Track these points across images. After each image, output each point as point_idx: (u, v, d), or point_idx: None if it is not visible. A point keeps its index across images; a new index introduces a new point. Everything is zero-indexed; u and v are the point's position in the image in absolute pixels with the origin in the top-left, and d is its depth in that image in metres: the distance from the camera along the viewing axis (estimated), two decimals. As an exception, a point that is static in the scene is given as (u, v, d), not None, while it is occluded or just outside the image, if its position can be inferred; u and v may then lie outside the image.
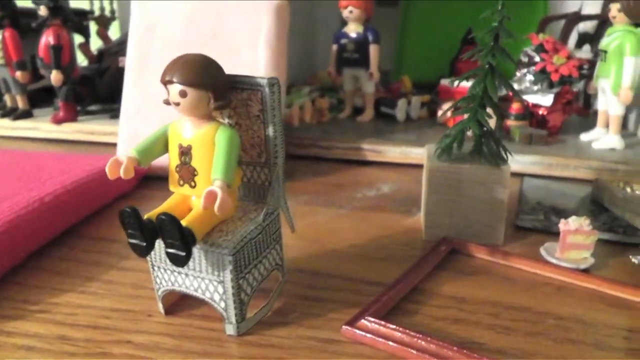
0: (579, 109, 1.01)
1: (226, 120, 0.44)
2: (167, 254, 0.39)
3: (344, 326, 0.42)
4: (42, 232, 0.57)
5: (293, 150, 0.89)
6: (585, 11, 1.15)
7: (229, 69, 0.42)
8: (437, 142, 0.61)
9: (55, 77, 0.97)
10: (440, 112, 0.94)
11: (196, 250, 0.41)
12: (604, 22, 1.06)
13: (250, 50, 0.76)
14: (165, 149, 0.43)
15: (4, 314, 0.46)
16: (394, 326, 0.41)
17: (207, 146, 0.40)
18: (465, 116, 0.58)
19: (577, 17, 1.13)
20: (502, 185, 0.56)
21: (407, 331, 0.41)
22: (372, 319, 0.42)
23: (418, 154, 0.84)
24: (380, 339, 0.41)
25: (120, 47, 1.11)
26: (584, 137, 0.90)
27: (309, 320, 0.45)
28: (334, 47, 1.01)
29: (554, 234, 0.58)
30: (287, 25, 0.78)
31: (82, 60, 1.25)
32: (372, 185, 0.78)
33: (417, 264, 0.52)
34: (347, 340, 0.42)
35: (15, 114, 1.04)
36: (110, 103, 1.12)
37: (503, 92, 0.82)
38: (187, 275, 0.43)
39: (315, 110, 1.00)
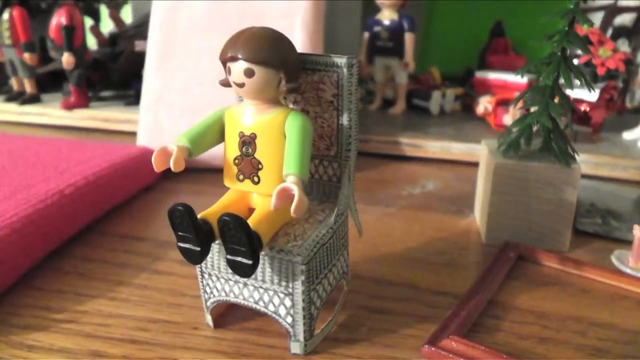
0: (621, 106, 0.96)
1: (291, 107, 0.39)
2: (229, 262, 0.33)
3: (425, 345, 0.37)
4: (63, 229, 0.51)
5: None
6: (622, 3, 1.10)
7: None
8: (499, 138, 0.56)
9: (67, 59, 0.91)
10: (480, 106, 0.88)
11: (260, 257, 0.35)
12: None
13: (283, 32, 0.70)
14: (220, 138, 0.37)
15: (24, 323, 0.40)
16: (484, 347, 0.36)
17: (275, 136, 0.35)
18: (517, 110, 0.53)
19: (615, 9, 1.08)
20: (572, 185, 0.52)
21: (501, 354, 0.36)
22: (457, 338, 0.37)
23: (459, 149, 0.79)
24: (471, 363, 0.35)
25: (137, 30, 1.06)
26: (627, 135, 0.86)
27: (380, 336, 0.39)
28: (366, 34, 0.96)
29: (616, 240, 0.56)
30: (324, 4, 0.73)
31: (92, 44, 1.19)
32: (416, 182, 0.73)
33: (487, 272, 0.47)
34: (428, 361, 0.37)
35: (22, 98, 0.98)
36: (124, 89, 1.06)
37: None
38: (245, 285, 0.37)
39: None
